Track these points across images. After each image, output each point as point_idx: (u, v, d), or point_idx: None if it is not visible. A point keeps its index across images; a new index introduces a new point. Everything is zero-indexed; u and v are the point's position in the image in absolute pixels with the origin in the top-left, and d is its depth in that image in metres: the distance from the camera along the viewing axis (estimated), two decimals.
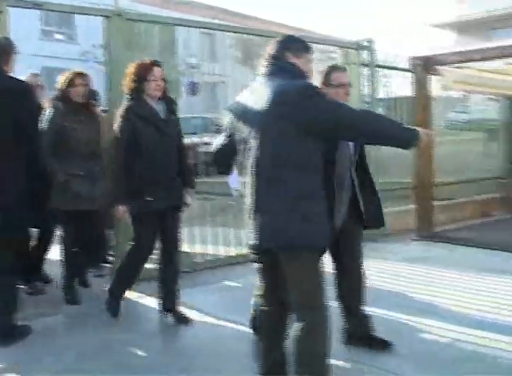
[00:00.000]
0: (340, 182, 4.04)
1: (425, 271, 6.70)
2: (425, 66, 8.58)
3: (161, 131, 4.84)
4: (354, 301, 4.44)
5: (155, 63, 4.91)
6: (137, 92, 4.85)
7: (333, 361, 3.40)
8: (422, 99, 8.64)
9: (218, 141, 3.77)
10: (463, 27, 34.87)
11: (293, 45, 3.47)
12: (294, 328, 3.30)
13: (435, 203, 9.02)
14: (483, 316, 5.11)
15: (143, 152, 4.77)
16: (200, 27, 7.64)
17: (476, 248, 7.88)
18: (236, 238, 7.22)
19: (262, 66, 3.45)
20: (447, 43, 34.50)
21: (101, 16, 6.36)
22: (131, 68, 4.91)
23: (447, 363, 4.16)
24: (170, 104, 5.03)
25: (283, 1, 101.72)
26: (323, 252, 3.36)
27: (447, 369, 4.09)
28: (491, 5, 33.62)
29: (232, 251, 7.28)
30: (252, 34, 8.51)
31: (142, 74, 4.82)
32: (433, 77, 8.84)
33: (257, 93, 3.35)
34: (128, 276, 5.14)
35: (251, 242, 3.34)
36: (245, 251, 6.97)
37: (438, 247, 8.06)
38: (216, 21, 18.27)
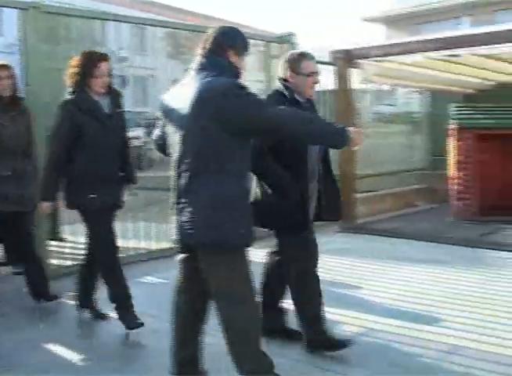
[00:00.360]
0: (312, 177, 4.12)
1: (345, 262, 6.81)
2: (346, 60, 8.69)
3: (106, 126, 4.61)
4: (279, 295, 4.49)
5: (103, 58, 4.62)
6: (80, 87, 4.58)
7: None
8: (343, 92, 8.75)
9: (155, 134, 3.71)
10: (393, 22, 35.42)
11: (234, 40, 3.33)
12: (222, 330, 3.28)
13: (360, 195, 9.17)
14: (399, 305, 5.22)
15: (87, 147, 4.54)
16: (122, 21, 7.54)
17: (396, 239, 8.07)
18: (158, 233, 7.18)
19: (196, 58, 3.31)
20: (378, 37, 35.06)
21: (16, 8, 6.21)
22: (75, 60, 4.62)
23: (359, 352, 4.21)
24: (116, 98, 4.79)
25: None
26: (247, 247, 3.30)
27: (358, 358, 4.15)
28: (420, 0, 34.23)
29: (154, 246, 7.23)
30: (178, 29, 8.48)
31: (88, 70, 4.54)
32: (354, 70, 8.98)
33: (185, 89, 3.25)
34: (109, 278, 4.81)
35: (173, 237, 3.31)
36: (166, 245, 7.01)
37: (360, 238, 8.21)
38: (152, 16, 18.12)
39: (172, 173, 3.30)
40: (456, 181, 9.46)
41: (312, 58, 4.25)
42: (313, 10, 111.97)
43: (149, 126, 21.16)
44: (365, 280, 6.05)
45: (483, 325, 4.77)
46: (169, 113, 3.35)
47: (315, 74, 4.17)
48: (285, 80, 4.15)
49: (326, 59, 9.14)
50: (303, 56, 4.20)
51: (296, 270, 4.21)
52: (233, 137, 3.12)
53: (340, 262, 6.86)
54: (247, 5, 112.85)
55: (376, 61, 8.93)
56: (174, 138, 3.26)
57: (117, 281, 4.76)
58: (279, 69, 4.24)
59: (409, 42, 8.73)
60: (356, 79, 9.06)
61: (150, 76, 33.19)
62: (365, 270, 6.46)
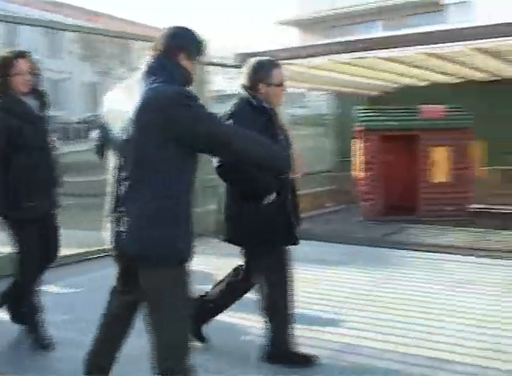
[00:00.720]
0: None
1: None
2: None
3: (37, 128, 4.43)
4: (217, 312, 4.46)
5: (20, 55, 4.42)
6: (3, 89, 4.38)
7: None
8: None
9: (95, 135, 3.53)
10: (307, 25, 35.86)
11: (186, 42, 3.13)
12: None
13: None
14: (296, 307, 5.24)
15: (20, 151, 4.33)
16: (19, 24, 7.37)
17: (303, 240, 8.07)
18: (68, 238, 7.02)
19: (146, 60, 3.11)
20: (292, 41, 35.41)
21: None
22: None
23: (255, 355, 4.20)
24: (41, 98, 4.59)
25: None
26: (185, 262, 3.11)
27: (254, 361, 4.15)
28: (334, 4, 34.78)
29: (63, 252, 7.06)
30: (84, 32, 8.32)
31: (4, 69, 4.35)
32: None
33: (129, 93, 3.04)
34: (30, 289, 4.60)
35: (110, 245, 3.14)
36: (72, 251, 6.87)
37: None
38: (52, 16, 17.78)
39: (111, 180, 3.13)
40: (362, 182, 9.65)
41: (279, 65, 4.13)
42: (227, 13, 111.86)
43: (62, 130, 20.76)
44: None
45: (383, 324, 4.85)
46: (111, 118, 3.17)
47: (284, 82, 4.08)
48: (250, 88, 3.99)
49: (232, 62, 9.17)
50: (273, 64, 4.07)
51: (271, 290, 4.11)
52: (176, 148, 2.94)
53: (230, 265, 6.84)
54: (158, 5, 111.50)
55: (284, 64, 8.97)
56: (115, 144, 3.09)
57: (35, 293, 4.61)
58: (244, 77, 4.05)
59: (316, 45, 8.88)
60: None
61: (63, 79, 32.63)
62: None
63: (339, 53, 8.45)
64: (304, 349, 4.24)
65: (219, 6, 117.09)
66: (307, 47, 9.02)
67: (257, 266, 4.13)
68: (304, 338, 4.44)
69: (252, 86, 4.00)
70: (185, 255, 3.04)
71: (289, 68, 9.20)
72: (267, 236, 3.97)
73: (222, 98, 9.91)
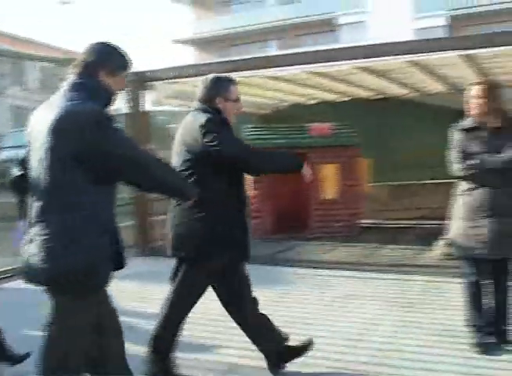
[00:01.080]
0: None
1: (139, 287, 6.68)
2: (138, 82, 8.63)
3: None
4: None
5: None
6: None
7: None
8: (136, 115, 8.69)
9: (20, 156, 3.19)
10: (203, 44, 36.11)
11: (106, 58, 3.02)
12: None
13: (156, 218, 9.07)
14: (189, 330, 5.15)
15: None
16: None
17: None
18: None
19: (68, 77, 2.99)
20: (188, 59, 35.58)
21: None
22: None
23: None
24: None
25: None
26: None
27: None
28: (229, 23, 35.20)
29: None
30: None
31: None
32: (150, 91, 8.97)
33: (49, 111, 2.87)
34: None
35: (21, 268, 2.95)
36: None
37: (158, 261, 8.03)
38: None
39: (28, 201, 2.95)
40: (252, 200, 9.66)
41: (236, 81, 4.08)
42: (123, 29, 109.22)
43: None
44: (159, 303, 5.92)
45: None
46: (30, 137, 2.98)
47: (239, 98, 4.04)
48: (208, 102, 3.92)
49: None
50: (230, 80, 4.02)
51: (176, 310, 4.19)
52: (92, 168, 2.80)
53: (132, 286, 6.72)
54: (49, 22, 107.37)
55: (170, 83, 8.97)
56: (33, 164, 2.92)
57: None
58: (201, 92, 3.97)
59: (205, 64, 8.93)
60: (149, 101, 9.04)
61: None
62: (157, 294, 6.32)
63: (228, 72, 8.47)
64: (188, 372, 4.21)
65: (115, 24, 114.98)
66: (196, 66, 9.06)
67: (191, 282, 4.21)
68: (187, 360, 4.40)
69: (209, 100, 3.95)
70: (103, 278, 2.92)
71: (176, 87, 9.19)
72: (228, 248, 3.97)
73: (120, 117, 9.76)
